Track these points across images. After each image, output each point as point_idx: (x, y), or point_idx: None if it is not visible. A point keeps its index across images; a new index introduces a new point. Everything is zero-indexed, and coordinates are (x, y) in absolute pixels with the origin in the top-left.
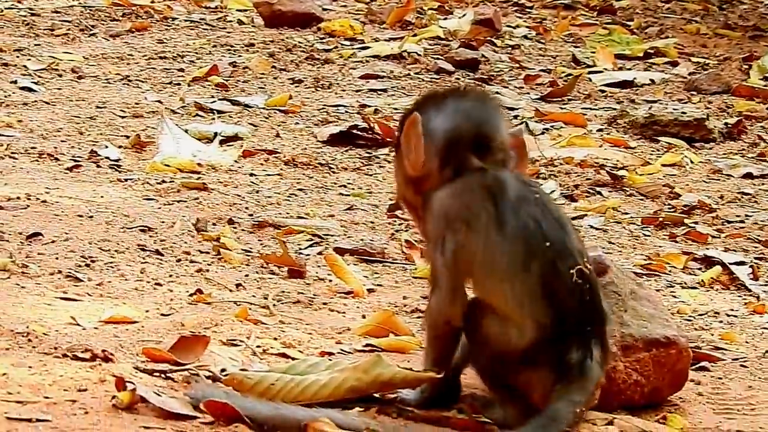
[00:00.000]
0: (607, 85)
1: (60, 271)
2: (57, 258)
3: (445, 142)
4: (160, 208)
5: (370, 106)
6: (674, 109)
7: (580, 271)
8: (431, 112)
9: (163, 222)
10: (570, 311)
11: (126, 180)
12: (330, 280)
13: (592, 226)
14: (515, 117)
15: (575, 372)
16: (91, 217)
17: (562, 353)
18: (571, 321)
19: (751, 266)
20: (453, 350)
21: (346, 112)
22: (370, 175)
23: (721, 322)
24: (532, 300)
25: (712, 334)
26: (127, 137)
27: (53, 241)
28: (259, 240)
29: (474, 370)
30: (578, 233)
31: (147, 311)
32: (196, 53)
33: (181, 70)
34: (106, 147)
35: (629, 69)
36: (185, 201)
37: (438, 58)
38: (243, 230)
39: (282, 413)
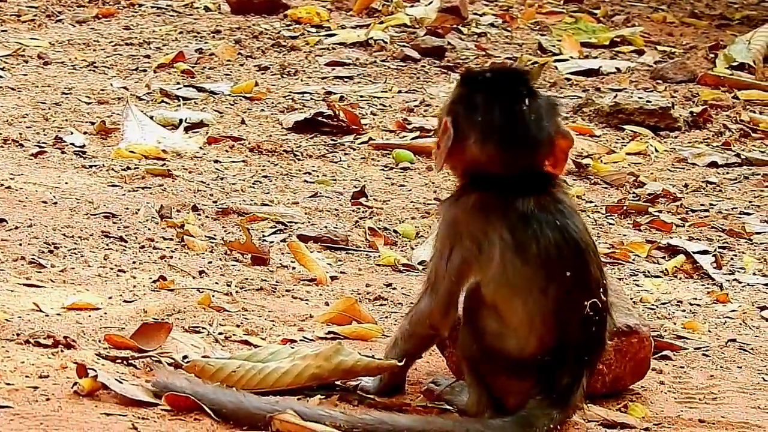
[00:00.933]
0: (572, 73)
1: (23, 258)
2: (20, 244)
3: (472, 164)
4: (124, 194)
5: (335, 94)
6: (639, 98)
7: (594, 304)
8: (474, 128)
9: (127, 209)
10: (575, 340)
11: (91, 166)
12: (293, 268)
13: None
14: None
15: (561, 393)
16: (56, 203)
17: (553, 375)
18: (572, 349)
19: (714, 255)
20: (425, 350)
21: (312, 99)
22: (335, 162)
23: (684, 311)
24: (543, 322)
25: (675, 323)
26: (93, 123)
27: (17, 228)
28: (223, 227)
29: (457, 350)
30: (599, 258)
31: (110, 298)
32: (163, 40)
33: (147, 56)
34: (71, 133)
35: (595, 57)
36: (150, 188)
37: (404, 46)
38: (207, 217)
39: (246, 406)
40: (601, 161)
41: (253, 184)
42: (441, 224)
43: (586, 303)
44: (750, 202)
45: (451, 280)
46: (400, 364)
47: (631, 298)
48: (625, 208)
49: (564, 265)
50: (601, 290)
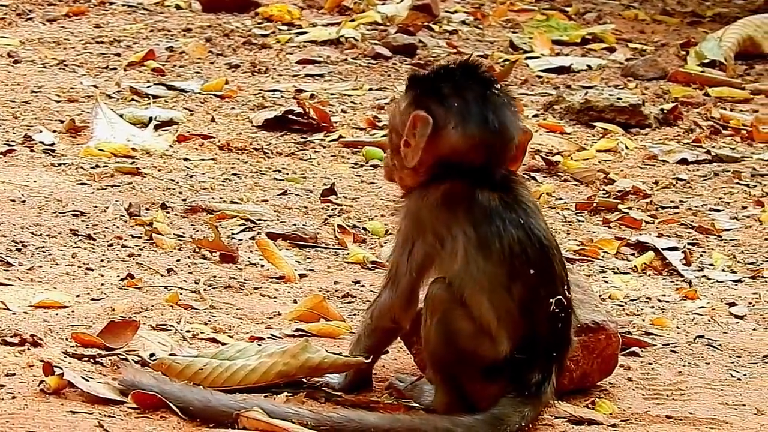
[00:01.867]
0: (544, 70)
1: None
2: None
3: (450, 153)
4: (93, 192)
5: (306, 91)
6: (610, 95)
7: (559, 300)
8: (451, 114)
9: (95, 207)
10: (542, 337)
11: (60, 165)
12: (262, 265)
13: None
14: None
15: (532, 391)
16: (24, 201)
17: (524, 372)
18: (540, 345)
19: (683, 252)
20: (388, 344)
21: (282, 97)
22: (305, 160)
23: (652, 307)
24: (510, 319)
25: (644, 320)
26: (62, 122)
27: None
28: (191, 225)
29: (424, 351)
30: (561, 256)
31: (77, 296)
32: (133, 38)
33: (118, 54)
34: (41, 131)
35: (566, 55)
36: (119, 186)
37: (375, 44)
38: (176, 215)
39: (213, 404)
40: (572, 158)
41: (223, 182)
42: (404, 218)
43: (551, 300)
44: (720, 198)
45: (412, 275)
46: (367, 360)
47: (600, 295)
48: (594, 205)
49: (528, 263)
50: (565, 287)
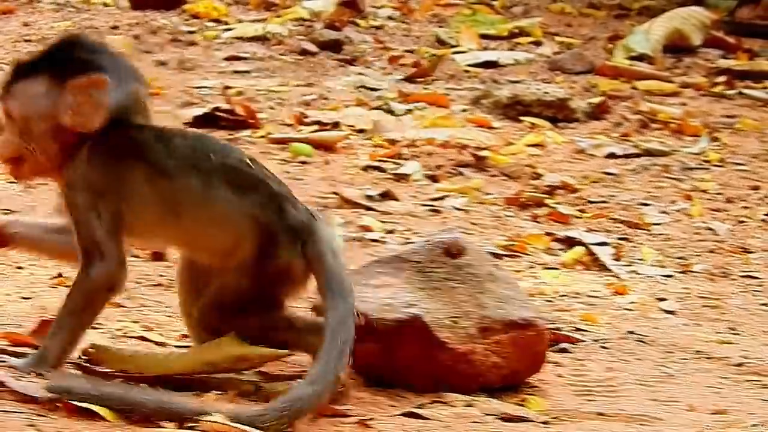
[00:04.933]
0: (471, 65)
1: None
2: None
3: (117, 108)
4: (23, 190)
5: (233, 88)
6: (537, 89)
7: (252, 160)
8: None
9: (26, 205)
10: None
11: None
12: None
13: (454, 207)
14: (378, 98)
15: None
16: None
17: None
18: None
19: (613, 247)
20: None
21: (210, 93)
22: None
23: (582, 303)
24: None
25: (573, 316)
26: None
27: None
28: None
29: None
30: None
31: (8, 294)
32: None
33: None
34: None
35: (494, 49)
36: (48, 184)
37: (302, 39)
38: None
39: (167, 405)
40: (500, 153)
41: None
42: (72, 190)
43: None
44: (649, 192)
45: (113, 237)
46: (286, 351)
47: (529, 291)
48: (523, 200)
49: (208, 152)
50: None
